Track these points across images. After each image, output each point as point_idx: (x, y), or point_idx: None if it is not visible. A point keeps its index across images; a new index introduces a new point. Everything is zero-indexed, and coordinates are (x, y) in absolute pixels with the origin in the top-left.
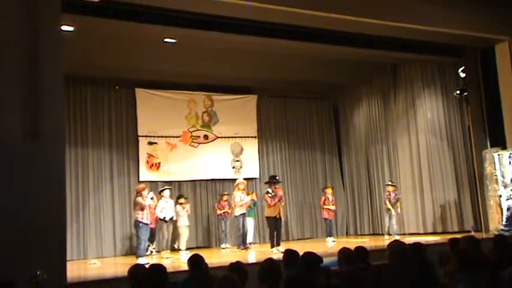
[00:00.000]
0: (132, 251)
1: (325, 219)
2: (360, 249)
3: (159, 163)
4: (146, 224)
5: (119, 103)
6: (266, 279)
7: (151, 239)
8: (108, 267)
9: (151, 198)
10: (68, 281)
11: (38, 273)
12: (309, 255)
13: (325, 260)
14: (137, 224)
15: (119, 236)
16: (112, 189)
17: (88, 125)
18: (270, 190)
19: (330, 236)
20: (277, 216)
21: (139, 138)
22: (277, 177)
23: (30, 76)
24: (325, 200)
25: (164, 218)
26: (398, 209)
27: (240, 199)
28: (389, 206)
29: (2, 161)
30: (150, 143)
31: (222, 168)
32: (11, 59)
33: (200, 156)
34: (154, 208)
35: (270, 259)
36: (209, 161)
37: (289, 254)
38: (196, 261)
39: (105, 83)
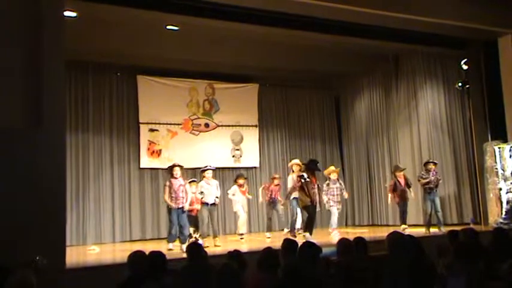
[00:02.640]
0: (132, 237)
1: (397, 203)
2: (359, 240)
3: (160, 150)
4: (173, 209)
5: (120, 90)
6: (265, 267)
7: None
8: (107, 253)
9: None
10: (67, 266)
11: (37, 258)
12: (308, 245)
13: (324, 250)
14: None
15: (118, 222)
16: (112, 176)
17: (89, 112)
18: (305, 175)
19: (404, 223)
20: (312, 203)
21: (141, 125)
22: (318, 164)
23: (33, 62)
24: (395, 184)
25: (205, 201)
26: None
27: (294, 182)
28: (428, 188)
29: (2, 146)
30: (151, 130)
31: (222, 156)
32: (13, 45)
33: (201, 144)
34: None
35: (269, 248)
36: (209, 149)
37: (288, 243)
38: (195, 249)
39: (106, 69)
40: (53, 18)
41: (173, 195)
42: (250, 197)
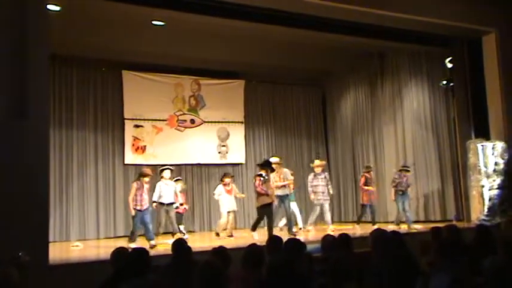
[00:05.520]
0: (116, 233)
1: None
2: (343, 237)
3: (145, 146)
4: (139, 211)
5: (105, 85)
6: (249, 264)
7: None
8: (91, 250)
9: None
10: (50, 262)
11: (20, 254)
12: (293, 241)
13: (309, 247)
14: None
15: (102, 219)
16: (96, 172)
17: (73, 107)
18: (264, 174)
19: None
20: (271, 203)
21: (125, 120)
22: (269, 160)
23: (16, 56)
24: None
25: (162, 202)
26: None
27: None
28: (399, 191)
29: None
30: (136, 126)
31: (207, 153)
32: None
33: (186, 140)
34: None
35: (254, 244)
36: (195, 145)
37: (273, 240)
38: (179, 246)
39: (91, 64)
40: (36, 12)
41: (139, 198)
42: (242, 196)
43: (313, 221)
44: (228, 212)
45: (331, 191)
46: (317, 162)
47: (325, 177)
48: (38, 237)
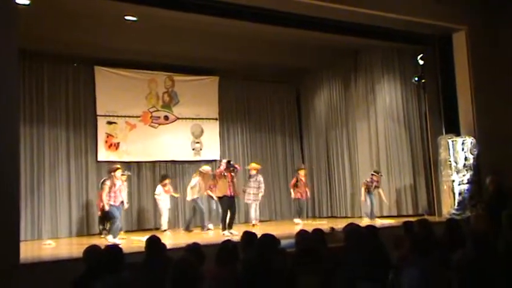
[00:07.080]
0: (89, 231)
1: (298, 199)
2: (317, 232)
3: (118, 143)
4: (113, 205)
5: (77, 81)
6: (223, 260)
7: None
8: (63, 248)
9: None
10: (21, 261)
11: None
12: (267, 237)
13: (283, 242)
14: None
15: (75, 217)
16: (69, 169)
17: (44, 103)
18: (224, 172)
19: (298, 217)
20: (231, 195)
21: (98, 117)
22: (231, 162)
23: None
24: (297, 181)
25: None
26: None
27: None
28: (365, 192)
29: None
30: (109, 123)
31: (182, 149)
32: None
33: (160, 137)
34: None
35: (228, 241)
36: (169, 142)
37: (247, 235)
38: (153, 243)
39: (63, 59)
40: (4, 6)
41: (112, 194)
42: (177, 195)
43: (257, 217)
44: (167, 209)
45: (260, 194)
46: (253, 165)
47: (256, 180)
48: (9, 236)
